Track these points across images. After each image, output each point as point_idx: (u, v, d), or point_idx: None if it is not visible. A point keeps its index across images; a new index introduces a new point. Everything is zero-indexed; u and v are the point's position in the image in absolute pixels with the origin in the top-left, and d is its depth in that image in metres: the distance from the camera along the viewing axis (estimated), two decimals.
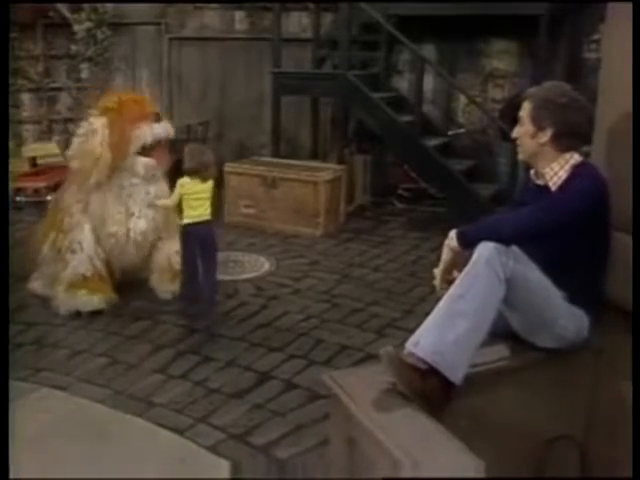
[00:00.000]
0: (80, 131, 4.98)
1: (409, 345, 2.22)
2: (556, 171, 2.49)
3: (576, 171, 2.48)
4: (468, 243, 2.36)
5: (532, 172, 2.66)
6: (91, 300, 4.80)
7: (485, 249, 2.26)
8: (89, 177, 4.85)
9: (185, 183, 4.71)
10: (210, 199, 4.79)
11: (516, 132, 2.58)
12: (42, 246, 5.09)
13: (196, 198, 4.71)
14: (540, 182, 2.58)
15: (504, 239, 2.31)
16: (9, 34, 7.66)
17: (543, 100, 2.48)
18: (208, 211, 4.78)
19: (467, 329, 2.17)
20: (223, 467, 3.13)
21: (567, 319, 2.44)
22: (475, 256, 2.27)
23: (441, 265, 2.47)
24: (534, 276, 2.36)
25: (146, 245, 5.11)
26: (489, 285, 2.22)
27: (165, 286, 5.14)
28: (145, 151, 4.91)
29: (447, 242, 2.44)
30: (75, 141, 4.96)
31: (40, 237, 5.18)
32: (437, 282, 2.49)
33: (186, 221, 4.73)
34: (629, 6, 2.73)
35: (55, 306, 4.82)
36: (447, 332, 2.17)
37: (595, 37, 6.52)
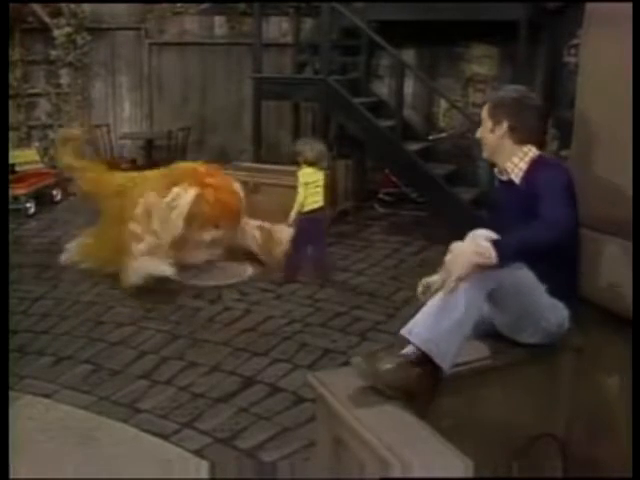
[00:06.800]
0: (167, 199, 5.34)
1: (404, 332, 2.26)
2: (516, 163, 2.62)
3: (536, 164, 2.60)
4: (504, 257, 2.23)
5: (496, 170, 2.76)
6: (163, 267, 5.17)
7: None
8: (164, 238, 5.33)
9: (309, 173, 5.41)
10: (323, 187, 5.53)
11: (478, 132, 2.73)
12: None
13: (315, 186, 5.45)
14: (504, 178, 2.69)
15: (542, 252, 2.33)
16: (9, 34, 7.65)
17: (498, 98, 2.69)
18: (322, 198, 5.51)
19: (459, 320, 2.22)
20: (203, 468, 3.16)
21: (550, 312, 2.49)
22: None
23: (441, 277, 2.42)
24: (521, 270, 2.39)
25: None
26: (480, 279, 2.24)
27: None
28: None
29: (474, 257, 2.20)
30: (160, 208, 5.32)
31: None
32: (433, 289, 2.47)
33: (308, 208, 5.44)
34: (606, 11, 2.78)
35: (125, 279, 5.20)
36: (440, 322, 2.21)
37: (574, 42, 6.60)
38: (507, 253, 2.21)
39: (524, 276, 2.39)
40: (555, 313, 2.51)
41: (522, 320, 2.47)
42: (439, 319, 2.22)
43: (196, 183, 5.44)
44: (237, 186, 5.76)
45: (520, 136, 2.61)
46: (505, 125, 2.60)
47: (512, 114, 2.60)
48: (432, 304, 2.29)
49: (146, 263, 5.23)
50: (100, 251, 5.57)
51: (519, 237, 2.30)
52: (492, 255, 2.18)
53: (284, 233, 6.02)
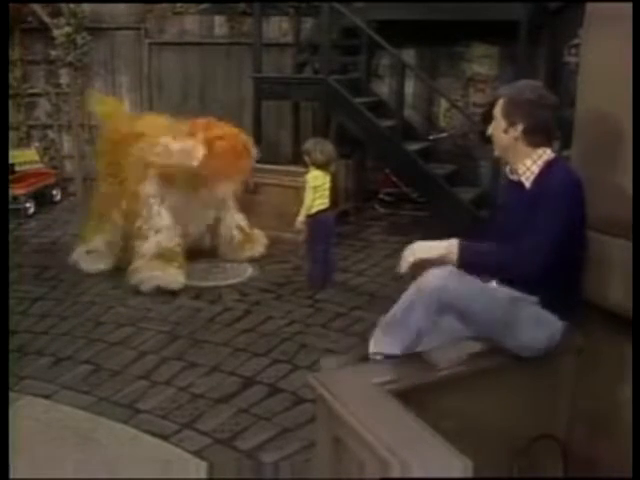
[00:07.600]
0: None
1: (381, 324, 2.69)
2: (528, 166, 2.55)
3: (549, 167, 2.53)
4: (465, 263, 2.41)
5: (507, 168, 2.70)
6: (177, 278, 5.33)
7: (436, 280, 2.39)
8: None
9: (317, 176, 5.36)
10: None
11: (490, 129, 2.65)
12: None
13: (324, 189, 5.41)
14: (514, 178, 2.63)
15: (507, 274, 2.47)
16: (9, 34, 7.63)
17: (513, 96, 2.56)
18: (328, 200, 5.47)
19: (417, 330, 2.49)
20: (202, 468, 3.16)
21: (536, 329, 2.45)
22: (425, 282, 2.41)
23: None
24: (490, 288, 2.54)
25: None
26: (436, 289, 2.39)
27: (237, 253, 6.10)
28: None
29: (438, 248, 2.47)
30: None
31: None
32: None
33: (315, 210, 5.37)
34: (606, 11, 2.77)
35: (135, 282, 5.30)
36: (402, 339, 2.54)
37: (575, 42, 6.59)
38: (468, 258, 2.40)
39: (493, 294, 2.48)
40: (542, 329, 2.46)
41: (502, 337, 2.47)
42: (400, 336, 2.52)
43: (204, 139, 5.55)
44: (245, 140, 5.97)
45: (535, 138, 2.53)
46: (520, 128, 2.52)
47: (528, 116, 2.51)
48: (402, 303, 2.53)
49: (157, 273, 5.26)
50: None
51: (486, 254, 2.46)
52: (454, 252, 2.41)
53: (261, 240, 6.21)
